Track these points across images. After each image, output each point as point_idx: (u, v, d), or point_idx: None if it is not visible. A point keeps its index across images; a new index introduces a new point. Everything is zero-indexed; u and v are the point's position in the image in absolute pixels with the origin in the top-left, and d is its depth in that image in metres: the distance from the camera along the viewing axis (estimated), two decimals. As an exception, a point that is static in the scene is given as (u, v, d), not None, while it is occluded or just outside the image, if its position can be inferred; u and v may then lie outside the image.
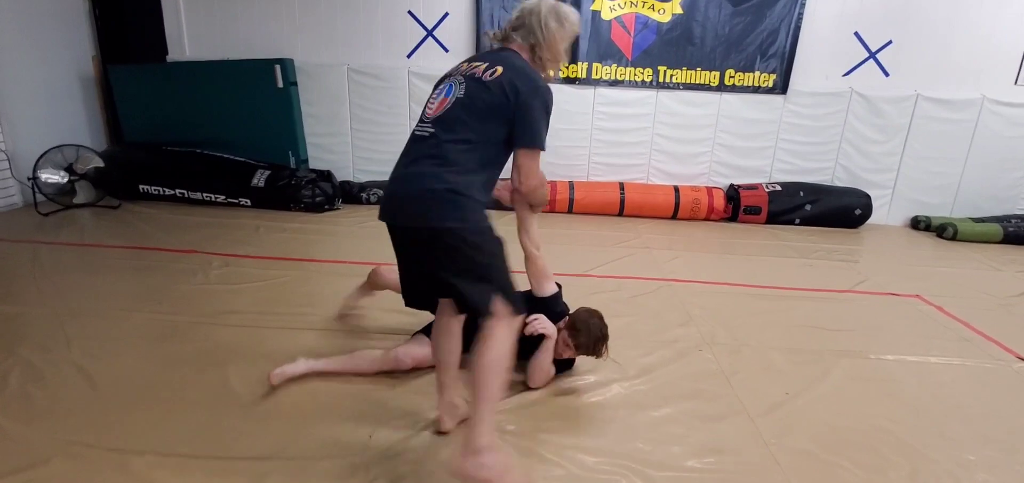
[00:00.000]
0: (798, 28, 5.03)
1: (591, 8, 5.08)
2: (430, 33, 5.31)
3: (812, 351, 2.74)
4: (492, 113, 1.63)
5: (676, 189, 5.26)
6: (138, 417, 1.98)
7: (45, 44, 4.96)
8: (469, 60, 1.79)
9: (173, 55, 5.42)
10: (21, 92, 4.68)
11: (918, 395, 2.41)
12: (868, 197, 5.26)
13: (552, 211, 5.24)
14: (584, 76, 5.24)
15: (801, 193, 5.22)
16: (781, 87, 5.20)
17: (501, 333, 1.54)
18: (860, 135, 5.32)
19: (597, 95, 5.31)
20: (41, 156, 4.39)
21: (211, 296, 3.01)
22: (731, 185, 5.42)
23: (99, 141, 5.51)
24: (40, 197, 4.41)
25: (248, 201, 4.86)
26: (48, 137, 4.69)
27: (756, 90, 5.23)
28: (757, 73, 5.18)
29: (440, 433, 1.95)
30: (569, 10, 1.84)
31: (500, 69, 1.66)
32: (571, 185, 5.28)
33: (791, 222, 5.22)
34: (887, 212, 5.54)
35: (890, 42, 5.10)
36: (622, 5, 5.08)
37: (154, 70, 5.33)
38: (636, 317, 3.01)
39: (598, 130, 5.41)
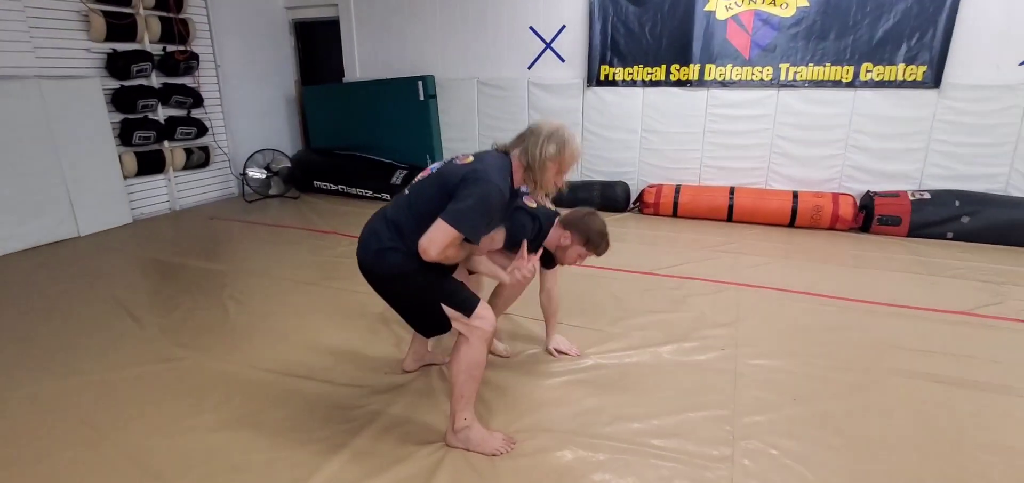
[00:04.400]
0: (955, 10, 4.32)
1: (705, 8, 4.99)
2: (549, 46, 5.72)
3: (862, 367, 2.53)
4: (444, 185, 1.75)
5: (794, 194, 4.88)
6: (268, 342, 2.76)
7: (262, 72, 6.53)
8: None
9: (348, 76, 6.67)
10: (242, 109, 6.26)
11: (977, 435, 2.08)
12: (1055, 210, 4.28)
13: (656, 214, 5.25)
14: (696, 79, 5.16)
15: (957, 203, 4.44)
16: (933, 80, 4.50)
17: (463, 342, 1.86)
18: (1049, 135, 4.35)
19: (710, 97, 5.18)
20: (248, 157, 5.84)
21: (331, 266, 3.84)
22: (868, 192, 4.84)
23: (295, 147, 7.02)
24: (247, 189, 5.87)
25: (388, 196, 5.81)
26: (258, 144, 6.19)
27: (900, 85, 4.60)
28: (901, 65, 4.56)
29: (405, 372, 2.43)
30: (572, 140, 1.81)
31: (471, 158, 1.79)
32: (677, 188, 5.23)
33: (941, 236, 4.47)
34: (1094, 230, 4.41)
35: (1096, 18, 4.10)
36: (739, 3, 4.90)
37: (333, 89, 6.64)
38: (677, 314, 3.06)
39: (710, 133, 5.26)
